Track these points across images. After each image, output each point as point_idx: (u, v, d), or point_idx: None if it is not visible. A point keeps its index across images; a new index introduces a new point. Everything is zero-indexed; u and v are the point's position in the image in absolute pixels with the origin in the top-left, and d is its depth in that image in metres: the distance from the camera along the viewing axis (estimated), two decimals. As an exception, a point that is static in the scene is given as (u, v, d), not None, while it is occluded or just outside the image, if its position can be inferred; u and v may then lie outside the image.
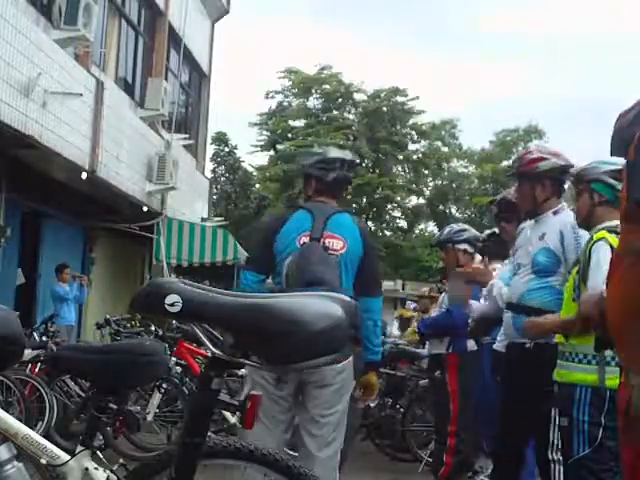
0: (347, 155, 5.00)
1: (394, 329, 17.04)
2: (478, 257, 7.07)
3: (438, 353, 7.15)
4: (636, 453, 2.39)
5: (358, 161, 5.12)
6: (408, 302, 20.43)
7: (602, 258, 4.32)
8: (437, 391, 7.29)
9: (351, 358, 4.40)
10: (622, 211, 2.50)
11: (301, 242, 4.52)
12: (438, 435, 7.53)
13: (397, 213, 45.10)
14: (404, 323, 18.04)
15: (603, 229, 4.49)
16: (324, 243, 4.49)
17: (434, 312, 8.01)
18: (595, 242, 4.44)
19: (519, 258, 5.38)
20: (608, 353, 4.02)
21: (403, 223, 45.37)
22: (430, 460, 8.28)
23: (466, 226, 7.37)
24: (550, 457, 4.97)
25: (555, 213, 5.30)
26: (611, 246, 4.32)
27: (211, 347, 2.21)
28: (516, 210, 6.03)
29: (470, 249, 6.93)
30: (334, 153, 4.99)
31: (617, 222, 4.44)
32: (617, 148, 3.23)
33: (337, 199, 4.84)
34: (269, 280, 4.82)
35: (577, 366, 4.43)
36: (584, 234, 4.98)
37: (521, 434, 5.25)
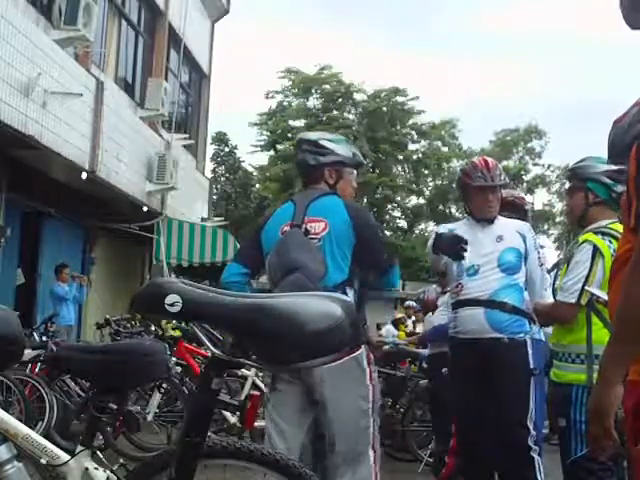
0: (307, 135, 4.84)
1: (391, 329, 17.05)
2: None
3: (442, 351, 7.14)
4: None
5: (311, 137, 4.75)
6: (408, 302, 20.43)
7: (582, 260, 4.46)
8: (439, 390, 7.28)
9: (359, 352, 4.27)
10: (625, 220, 2.50)
11: (283, 231, 4.43)
12: (437, 435, 7.54)
13: (397, 213, 45.17)
14: (396, 324, 18.10)
15: (590, 231, 4.56)
16: (306, 228, 4.37)
17: (438, 312, 7.98)
18: (580, 244, 4.54)
19: (469, 261, 5.50)
20: (597, 352, 4.04)
21: (403, 223, 45.43)
22: (430, 460, 8.30)
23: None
24: (532, 447, 5.08)
25: (497, 218, 5.60)
26: (595, 247, 4.41)
27: (211, 347, 2.22)
28: (515, 210, 6.12)
29: None
30: (298, 136, 4.91)
31: (608, 221, 4.49)
32: (617, 155, 3.22)
33: (327, 183, 4.60)
34: (262, 279, 4.75)
35: (570, 366, 4.47)
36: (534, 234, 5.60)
37: (501, 427, 5.31)
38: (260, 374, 8.51)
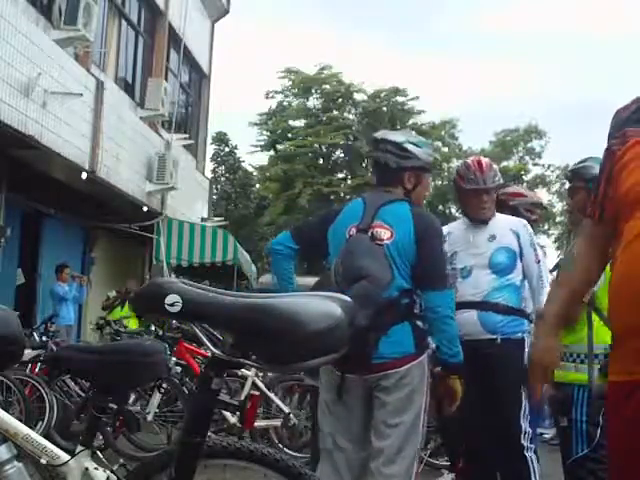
0: (392, 136, 4.60)
1: None
2: None
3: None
4: None
5: (397, 139, 4.51)
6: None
7: None
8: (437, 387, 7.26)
9: (421, 359, 4.26)
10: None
11: (350, 233, 4.32)
12: (443, 433, 7.53)
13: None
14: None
15: None
16: (372, 233, 4.26)
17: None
18: None
19: (463, 262, 5.48)
20: (598, 351, 4.05)
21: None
22: (430, 460, 8.29)
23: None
24: (525, 445, 5.08)
25: (492, 216, 5.52)
26: None
27: (211, 347, 2.21)
28: (510, 211, 6.10)
29: None
30: (379, 134, 4.66)
31: None
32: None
33: (404, 188, 4.45)
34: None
35: (571, 366, 4.47)
36: (529, 228, 5.49)
37: (495, 427, 5.31)
38: (260, 374, 8.52)
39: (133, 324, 13.91)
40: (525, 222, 5.59)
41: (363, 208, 4.39)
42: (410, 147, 4.45)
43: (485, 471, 5.56)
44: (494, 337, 5.27)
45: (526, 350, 5.19)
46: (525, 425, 5.19)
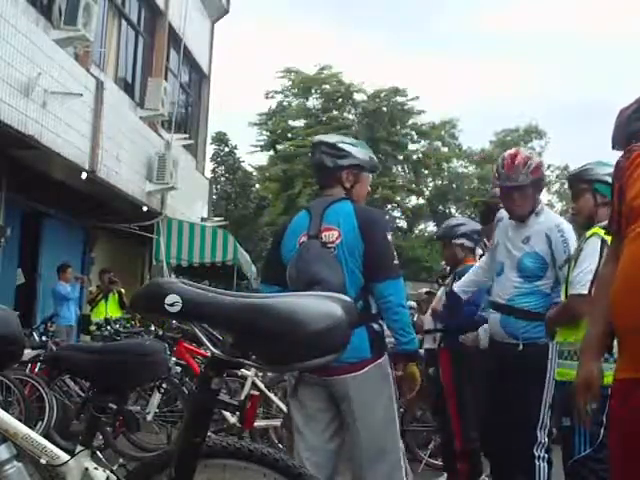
0: (326, 137, 4.72)
1: None
2: (479, 251, 7.08)
3: (431, 348, 7.13)
4: None
5: (329, 140, 4.63)
6: (408, 302, 20.41)
7: (590, 253, 4.45)
8: (432, 388, 7.28)
9: (379, 361, 4.34)
10: None
11: (300, 242, 4.40)
12: (442, 434, 7.53)
13: (397, 213, 45.08)
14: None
15: (604, 227, 4.57)
16: (321, 238, 4.33)
17: (429, 314, 7.97)
18: (588, 238, 4.56)
19: (500, 256, 5.44)
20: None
21: (403, 223, 45.36)
22: (430, 460, 8.32)
23: (464, 220, 7.35)
24: (536, 454, 5.04)
25: (537, 214, 5.39)
26: (602, 240, 4.43)
27: (211, 347, 2.21)
28: (489, 212, 6.08)
29: (468, 243, 6.88)
30: (314, 139, 4.78)
31: None
32: (618, 142, 3.32)
33: (343, 187, 4.52)
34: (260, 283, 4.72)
35: (575, 364, 4.46)
36: (568, 230, 5.16)
37: (509, 431, 5.28)
38: (260, 374, 8.52)
39: (115, 312, 13.92)
40: (562, 224, 5.35)
41: (309, 217, 4.46)
42: (344, 146, 4.55)
43: (499, 473, 5.55)
44: (516, 342, 5.21)
45: (550, 357, 5.14)
46: (541, 435, 5.12)
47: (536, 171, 5.36)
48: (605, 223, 4.63)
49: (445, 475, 7.48)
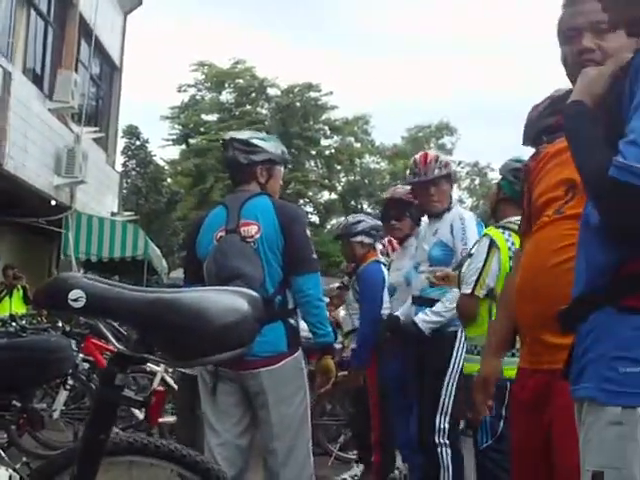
0: (237, 134, 4.75)
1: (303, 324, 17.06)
2: (379, 246, 7.16)
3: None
4: None
5: (241, 136, 4.67)
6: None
7: (479, 252, 4.62)
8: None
9: (295, 355, 4.37)
10: None
11: (218, 237, 4.39)
12: (356, 425, 7.60)
13: (309, 208, 45.23)
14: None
15: (498, 226, 4.74)
16: (240, 233, 4.34)
17: (341, 309, 8.04)
18: (480, 238, 4.74)
19: (418, 257, 5.59)
20: None
21: (315, 218, 45.52)
22: (340, 454, 8.39)
23: (363, 217, 7.40)
24: (437, 441, 5.15)
25: (449, 210, 5.56)
26: (491, 240, 4.59)
27: (115, 342, 2.21)
28: (407, 208, 6.19)
29: (368, 240, 6.93)
30: (225, 136, 4.80)
31: (516, 218, 4.64)
32: (529, 138, 3.40)
33: (258, 182, 4.55)
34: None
35: (475, 357, 4.57)
36: (470, 221, 5.35)
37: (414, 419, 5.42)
38: (170, 370, 8.46)
39: (19, 308, 13.69)
40: (465, 215, 5.57)
41: (226, 212, 4.46)
42: (256, 142, 4.59)
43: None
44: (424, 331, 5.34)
45: (455, 347, 5.29)
46: (440, 421, 5.22)
47: (447, 166, 5.62)
48: (506, 221, 4.79)
49: (356, 467, 7.55)
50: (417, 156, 5.69)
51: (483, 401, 3.16)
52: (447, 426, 5.24)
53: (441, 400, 5.24)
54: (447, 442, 5.23)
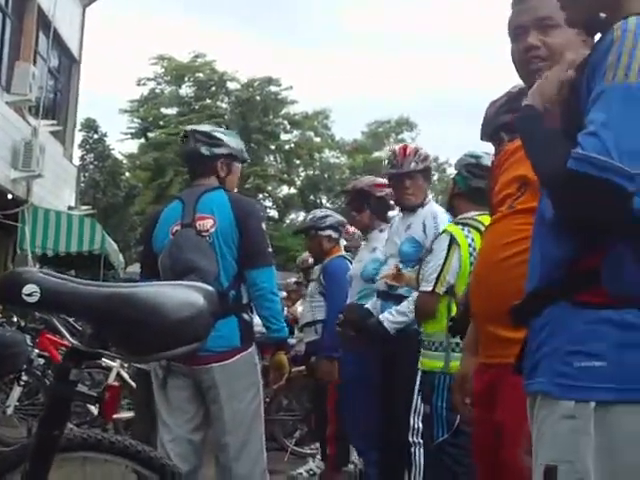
0: (199, 126, 4.78)
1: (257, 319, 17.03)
2: (343, 242, 7.18)
3: (312, 340, 7.16)
4: None
5: (204, 129, 4.69)
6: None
7: (438, 249, 4.63)
8: (314, 379, 7.30)
9: (249, 350, 4.37)
10: None
11: (173, 231, 4.38)
12: (315, 418, 7.59)
13: (268, 203, 45.17)
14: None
15: (456, 222, 4.76)
16: (196, 227, 4.33)
17: (299, 304, 8.04)
18: (440, 235, 4.74)
19: (388, 250, 5.55)
20: (457, 340, 4.18)
21: (274, 213, 45.48)
22: (295, 448, 8.41)
23: (330, 212, 7.42)
24: (411, 440, 5.14)
25: (423, 206, 5.48)
26: (451, 237, 4.61)
27: (69, 338, 2.18)
28: (366, 199, 6.18)
29: (334, 234, 6.97)
30: (187, 128, 4.79)
31: (475, 213, 4.67)
32: (486, 134, 3.43)
33: (217, 176, 4.54)
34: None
35: (433, 354, 4.60)
36: (442, 220, 5.33)
37: (388, 419, 5.40)
38: (126, 365, 8.41)
39: None
40: (439, 213, 5.46)
41: (182, 206, 4.45)
42: (219, 135, 4.60)
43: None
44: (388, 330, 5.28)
45: None
46: (414, 421, 5.20)
47: (425, 160, 5.55)
48: (463, 216, 4.81)
49: (311, 462, 7.56)
50: (397, 147, 5.68)
51: (461, 400, 3.17)
52: (421, 425, 5.22)
53: (413, 400, 5.21)
54: (421, 442, 5.20)
